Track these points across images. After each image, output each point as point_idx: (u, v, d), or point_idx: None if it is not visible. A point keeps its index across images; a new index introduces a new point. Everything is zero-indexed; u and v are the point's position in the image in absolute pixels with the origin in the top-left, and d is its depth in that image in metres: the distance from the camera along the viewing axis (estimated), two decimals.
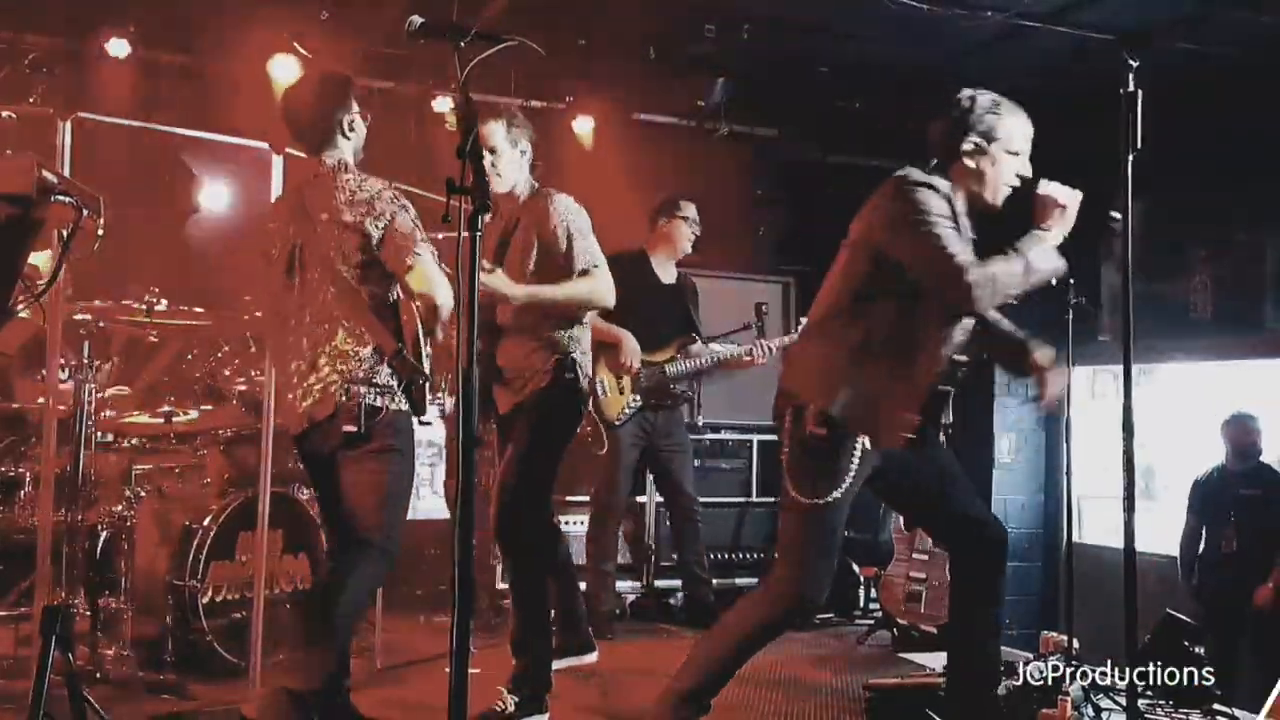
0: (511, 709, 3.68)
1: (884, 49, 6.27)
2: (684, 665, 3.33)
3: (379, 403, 3.24)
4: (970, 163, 3.13)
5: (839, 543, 3.23)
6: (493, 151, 3.75)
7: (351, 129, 3.42)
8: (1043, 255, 3.03)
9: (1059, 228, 3.05)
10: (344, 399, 3.22)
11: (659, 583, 5.96)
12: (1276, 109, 6.12)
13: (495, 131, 3.76)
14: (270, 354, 3.80)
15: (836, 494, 3.10)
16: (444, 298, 3.18)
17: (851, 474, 3.11)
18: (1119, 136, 2.74)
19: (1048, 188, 3.06)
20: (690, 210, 5.52)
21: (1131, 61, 2.70)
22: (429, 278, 3.17)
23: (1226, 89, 6.24)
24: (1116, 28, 5.92)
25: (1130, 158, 2.72)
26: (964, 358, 3.21)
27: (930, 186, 3.08)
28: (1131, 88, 2.70)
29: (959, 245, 3.00)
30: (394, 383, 3.27)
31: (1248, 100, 6.21)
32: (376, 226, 3.21)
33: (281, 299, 3.38)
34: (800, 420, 3.10)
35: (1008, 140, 3.11)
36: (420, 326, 3.32)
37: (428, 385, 3.34)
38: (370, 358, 3.25)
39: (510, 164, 3.79)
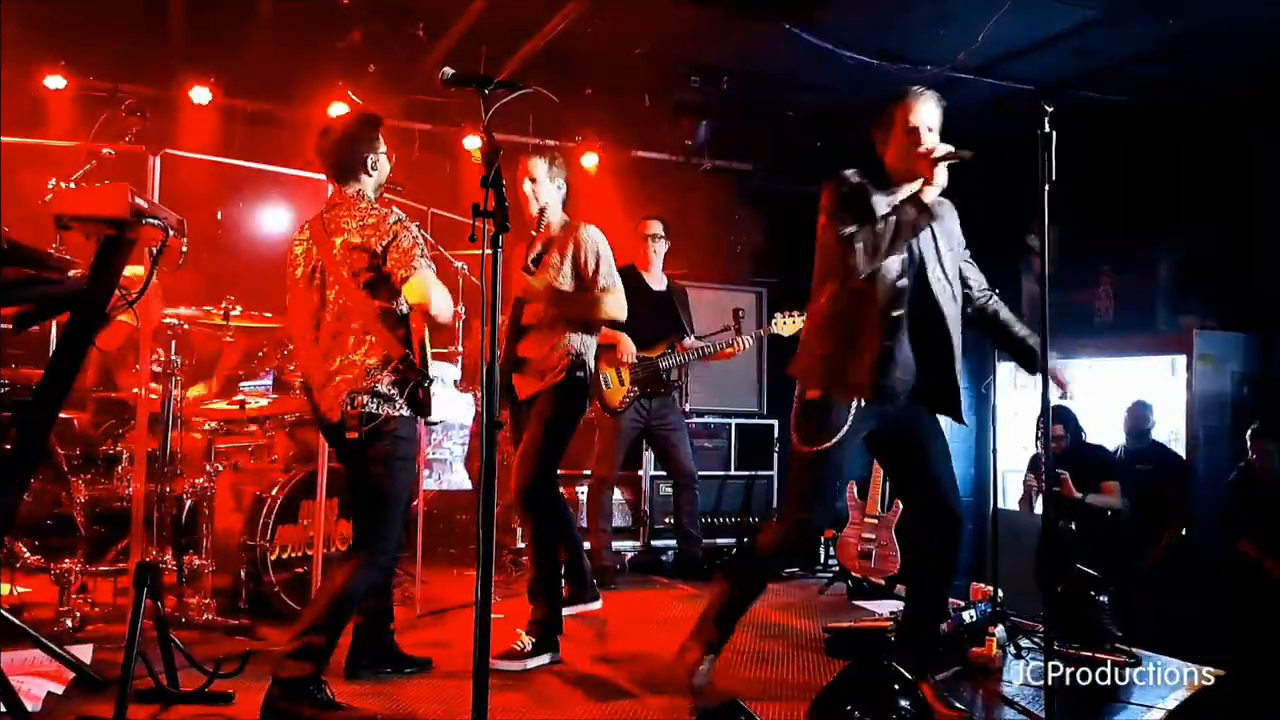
0: (529, 648, 3.67)
1: (839, 97, 6.25)
2: (712, 597, 3.31)
3: (379, 410, 3.11)
4: (885, 138, 3.12)
5: (834, 486, 3.24)
6: (534, 180, 3.84)
7: (374, 168, 3.29)
8: (909, 205, 2.97)
9: (933, 179, 2.96)
10: (349, 408, 3.10)
11: (654, 543, 5.93)
12: (1165, 146, 6.12)
13: (538, 165, 3.85)
14: (300, 364, 3.66)
15: (827, 445, 3.10)
16: (437, 305, 3.03)
17: (844, 429, 3.10)
18: (1036, 171, 2.72)
19: (925, 146, 3.02)
20: (653, 228, 5.48)
21: (1047, 108, 2.69)
22: (422, 288, 3.03)
23: (1126, 130, 6.25)
24: (1035, 80, 5.94)
25: (1046, 189, 2.70)
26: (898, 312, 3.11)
27: (840, 178, 3.11)
28: (1047, 129, 2.69)
29: (847, 219, 3.00)
30: (395, 391, 3.13)
31: (1143, 139, 6.22)
32: (381, 244, 3.09)
33: (305, 314, 3.23)
34: (801, 388, 3.19)
35: (921, 119, 3.06)
36: (426, 335, 3.21)
37: (431, 387, 3.20)
38: (376, 368, 3.11)
39: (545, 190, 3.85)
